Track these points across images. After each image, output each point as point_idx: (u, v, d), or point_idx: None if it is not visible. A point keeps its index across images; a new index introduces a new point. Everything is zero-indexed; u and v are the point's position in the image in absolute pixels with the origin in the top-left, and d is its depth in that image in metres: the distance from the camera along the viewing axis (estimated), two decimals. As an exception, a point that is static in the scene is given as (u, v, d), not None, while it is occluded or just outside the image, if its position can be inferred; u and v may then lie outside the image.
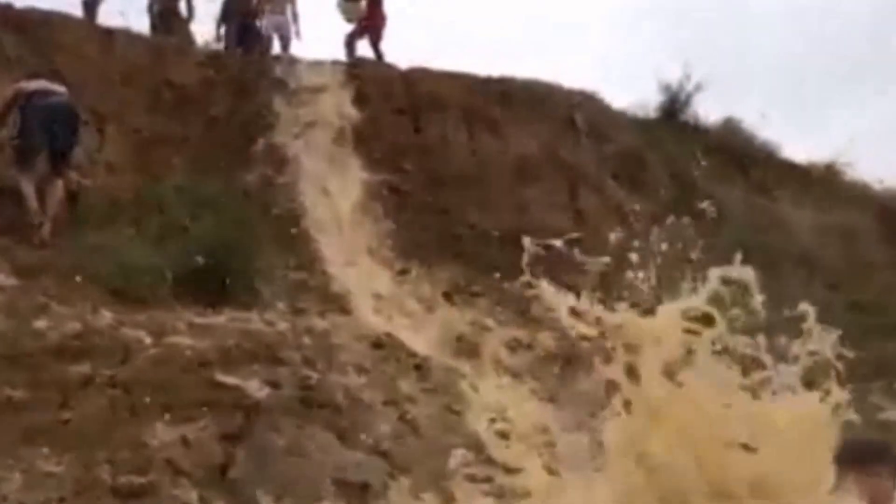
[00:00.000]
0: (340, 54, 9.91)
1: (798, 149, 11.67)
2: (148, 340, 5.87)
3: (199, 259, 6.68)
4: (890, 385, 7.86)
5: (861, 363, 8.19)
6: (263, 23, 9.80)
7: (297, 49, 9.98)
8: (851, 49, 24.04)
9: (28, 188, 6.53)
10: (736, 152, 10.94)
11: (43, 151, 6.64)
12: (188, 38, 9.71)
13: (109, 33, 8.54)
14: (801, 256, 10.21)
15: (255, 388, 5.63)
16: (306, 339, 6.40)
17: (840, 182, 11.54)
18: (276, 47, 9.80)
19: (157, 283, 6.55)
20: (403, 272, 8.11)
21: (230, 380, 5.62)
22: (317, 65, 9.54)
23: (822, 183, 11.33)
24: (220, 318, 6.36)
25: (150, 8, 9.60)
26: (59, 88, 6.89)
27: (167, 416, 5.31)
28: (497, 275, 8.34)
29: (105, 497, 4.77)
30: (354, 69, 9.49)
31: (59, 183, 6.74)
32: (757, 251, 9.74)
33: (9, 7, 8.10)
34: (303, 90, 9.02)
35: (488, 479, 5.89)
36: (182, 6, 9.73)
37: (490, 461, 6.08)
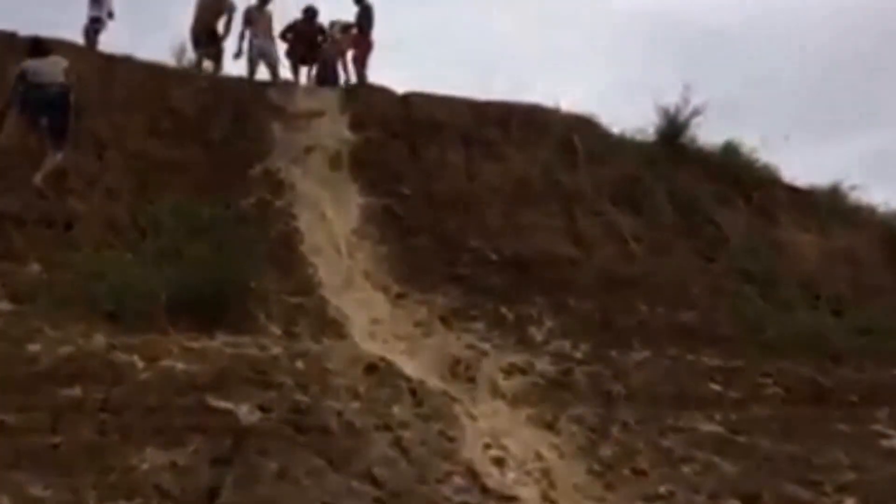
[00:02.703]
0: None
1: (800, 173, 11.55)
2: (140, 364, 5.87)
3: (194, 283, 6.69)
4: (894, 412, 7.73)
5: (865, 389, 8.14)
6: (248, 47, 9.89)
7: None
8: (856, 73, 24.09)
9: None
10: (737, 176, 10.87)
11: (40, 130, 7.50)
12: (220, 56, 9.84)
13: (110, 60, 8.64)
14: (805, 281, 10.10)
15: (246, 412, 5.60)
16: (299, 364, 6.38)
17: (844, 206, 11.43)
18: (264, 73, 9.86)
19: (152, 307, 6.55)
20: (400, 296, 8.07)
21: (221, 403, 5.61)
22: (314, 90, 9.63)
23: (826, 206, 11.22)
24: (214, 342, 6.35)
25: (194, 28, 9.75)
26: (55, 76, 7.57)
27: (157, 440, 5.30)
28: (495, 299, 8.34)
29: (91, 522, 4.74)
30: (351, 94, 9.55)
31: (56, 155, 7.51)
32: (760, 276, 9.80)
33: (13, 35, 8.24)
34: (300, 115, 9.08)
35: (482, 506, 5.82)
36: (220, 25, 9.85)
37: (485, 488, 6.02)
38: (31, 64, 7.60)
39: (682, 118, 10.73)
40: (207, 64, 9.80)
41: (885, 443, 7.08)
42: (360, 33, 10.31)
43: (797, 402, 7.57)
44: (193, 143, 8.45)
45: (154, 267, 6.88)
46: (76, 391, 5.49)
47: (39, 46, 7.74)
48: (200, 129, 8.57)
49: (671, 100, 10.69)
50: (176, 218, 7.49)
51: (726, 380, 7.72)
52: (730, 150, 11.12)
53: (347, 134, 9.02)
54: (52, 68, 7.61)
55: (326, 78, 10.17)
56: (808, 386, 7.81)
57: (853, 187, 11.47)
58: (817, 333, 8.59)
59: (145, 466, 5.10)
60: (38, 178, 7.30)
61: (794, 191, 11.14)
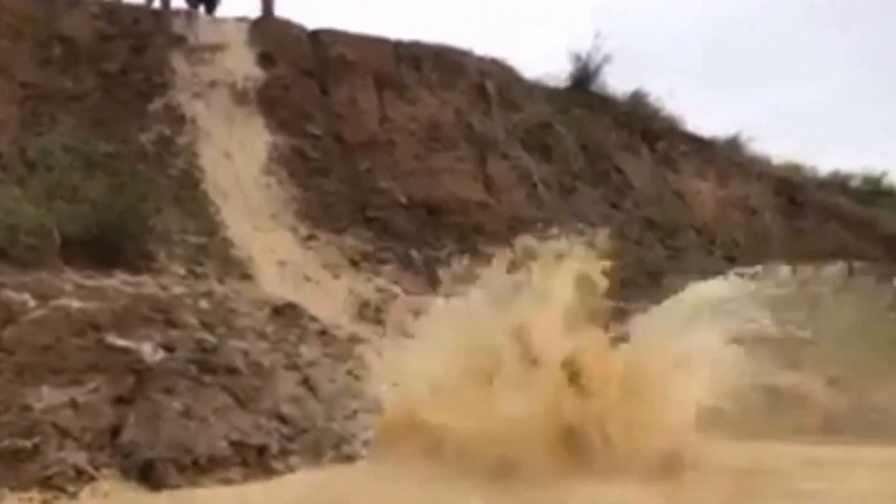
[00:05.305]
0: (246, 11, 9.51)
1: (704, 123, 11.96)
2: (33, 303, 5.59)
3: (90, 220, 6.39)
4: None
5: (753, 329, 8.54)
6: None
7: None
8: (761, 31, 24.89)
9: None
10: (643, 125, 11.15)
11: None
12: None
13: (-7, -19, 8.00)
14: (702, 227, 10.56)
15: (149, 351, 5.45)
16: (204, 304, 6.21)
17: (742, 156, 11.92)
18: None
19: (45, 244, 6.23)
20: (309, 238, 7.96)
21: (121, 342, 5.42)
22: (219, 21, 9.19)
23: (725, 157, 11.68)
24: (112, 281, 6.11)
25: None
26: None
27: (54, 380, 5.09)
28: (405, 242, 8.34)
29: (-12, 460, 4.55)
30: (259, 27, 9.17)
31: None
32: (661, 222, 10.16)
33: None
34: (203, 47, 8.68)
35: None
36: None
37: (392, 424, 6.08)
38: None
39: (592, 65, 10.89)
40: None
41: (767, 379, 7.50)
42: None
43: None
44: (87, 73, 7.97)
45: (45, 203, 6.52)
46: (-35, 330, 5.20)
47: None
48: (95, 59, 8.08)
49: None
50: (68, 152, 7.09)
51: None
52: (637, 99, 11.38)
53: (254, 69, 8.69)
54: None
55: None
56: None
57: (751, 138, 12.02)
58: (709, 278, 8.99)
59: (42, 405, 4.90)
60: None
61: (695, 141, 11.53)
